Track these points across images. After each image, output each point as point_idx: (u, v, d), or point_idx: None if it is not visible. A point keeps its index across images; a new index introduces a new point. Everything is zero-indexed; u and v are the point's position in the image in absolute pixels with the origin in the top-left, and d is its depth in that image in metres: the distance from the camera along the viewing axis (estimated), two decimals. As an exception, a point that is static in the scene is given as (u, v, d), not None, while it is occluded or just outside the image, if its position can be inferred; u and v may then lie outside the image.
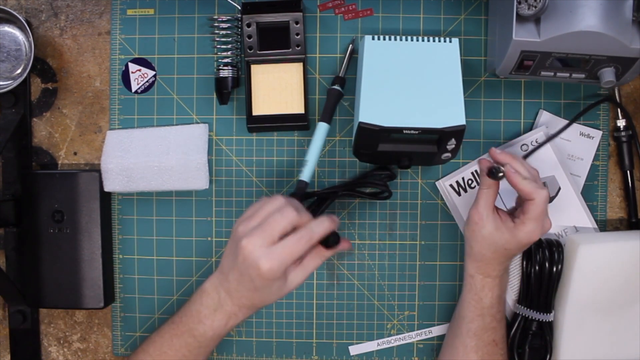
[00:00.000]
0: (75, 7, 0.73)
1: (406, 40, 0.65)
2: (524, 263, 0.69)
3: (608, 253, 0.66)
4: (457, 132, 0.62)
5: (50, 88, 0.73)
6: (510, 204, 0.67)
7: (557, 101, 0.71)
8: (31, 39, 0.68)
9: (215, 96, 0.71)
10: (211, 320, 0.59)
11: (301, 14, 0.67)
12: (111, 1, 0.72)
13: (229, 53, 0.70)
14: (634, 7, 0.58)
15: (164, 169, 0.69)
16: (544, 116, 0.70)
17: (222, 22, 0.70)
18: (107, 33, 0.72)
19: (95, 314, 0.74)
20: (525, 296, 0.68)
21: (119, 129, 0.72)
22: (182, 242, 0.72)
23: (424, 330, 0.72)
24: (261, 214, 0.57)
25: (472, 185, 0.70)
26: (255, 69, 0.69)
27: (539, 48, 0.60)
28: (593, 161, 0.71)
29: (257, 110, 0.69)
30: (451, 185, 0.70)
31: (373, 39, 0.65)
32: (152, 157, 0.69)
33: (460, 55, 0.64)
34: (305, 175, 0.64)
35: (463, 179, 0.70)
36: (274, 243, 0.55)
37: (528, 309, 0.68)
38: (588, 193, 0.71)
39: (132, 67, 0.72)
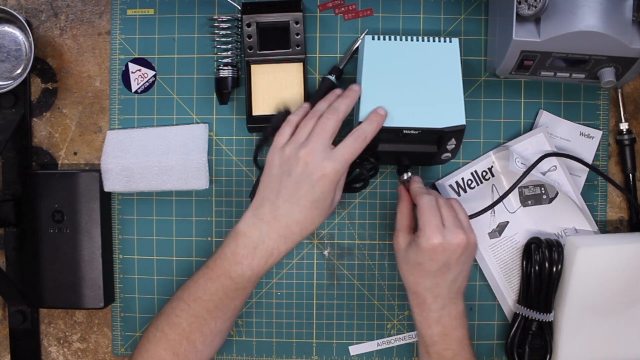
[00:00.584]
0: (75, 7, 0.73)
1: (406, 40, 0.65)
2: (524, 263, 0.69)
3: (607, 255, 0.66)
4: (457, 132, 0.62)
5: (50, 88, 0.73)
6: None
7: (557, 101, 0.71)
8: (31, 39, 0.68)
9: (215, 96, 0.71)
10: (250, 260, 0.59)
11: (301, 14, 0.67)
12: (111, 1, 0.72)
13: (229, 53, 0.70)
14: (634, 7, 0.58)
15: (164, 169, 0.69)
16: (544, 116, 0.70)
17: (222, 22, 0.70)
18: (107, 33, 0.72)
19: (95, 314, 0.74)
20: (525, 296, 0.68)
21: (119, 129, 0.72)
22: (182, 242, 0.72)
23: (424, 330, 0.72)
24: (305, 127, 0.60)
25: (472, 186, 0.70)
26: (255, 69, 0.69)
27: (539, 48, 0.60)
28: (593, 161, 0.71)
29: (257, 110, 0.69)
30: (451, 186, 0.70)
31: (373, 39, 0.65)
32: (152, 157, 0.69)
33: (460, 55, 0.64)
34: None
35: (463, 179, 0.70)
36: (331, 147, 0.59)
37: (528, 309, 0.68)
38: (588, 193, 0.71)
39: (132, 67, 0.72)
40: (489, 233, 0.70)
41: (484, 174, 0.70)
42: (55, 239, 0.69)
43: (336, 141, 0.60)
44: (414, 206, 0.63)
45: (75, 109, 0.73)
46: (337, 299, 0.72)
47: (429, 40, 0.64)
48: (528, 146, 0.69)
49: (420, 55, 0.64)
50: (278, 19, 0.67)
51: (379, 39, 0.65)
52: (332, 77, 0.68)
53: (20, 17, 0.67)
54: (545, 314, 0.67)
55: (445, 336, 0.61)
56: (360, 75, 0.64)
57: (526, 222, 0.70)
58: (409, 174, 0.65)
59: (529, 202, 0.70)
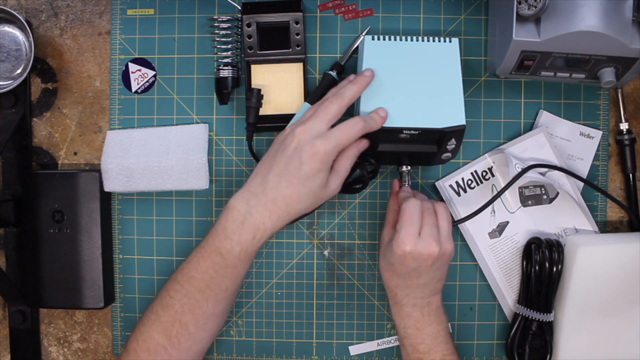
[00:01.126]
0: (75, 7, 0.73)
1: (406, 40, 0.65)
2: (524, 263, 0.69)
3: (608, 255, 0.66)
4: (457, 132, 0.62)
5: (50, 88, 0.73)
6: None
7: (557, 101, 0.71)
8: (31, 39, 0.68)
9: (215, 96, 0.71)
10: (238, 235, 0.58)
11: (301, 14, 0.67)
12: (111, 1, 0.72)
13: (229, 53, 0.70)
14: (634, 7, 0.58)
15: (164, 169, 0.69)
16: (544, 116, 0.70)
17: (222, 22, 0.70)
18: (107, 33, 0.72)
19: (95, 314, 0.74)
20: (525, 296, 0.68)
21: (119, 129, 0.72)
22: (182, 242, 0.72)
23: (424, 330, 0.72)
24: (311, 110, 0.61)
25: (472, 186, 0.70)
26: (255, 69, 0.69)
27: (539, 48, 0.60)
28: (593, 161, 0.71)
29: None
30: (451, 186, 0.70)
31: (373, 39, 0.65)
32: (152, 157, 0.69)
33: (460, 55, 0.64)
34: None
35: (463, 179, 0.70)
36: (328, 129, 0.59)
37: (528, 309, 0.67)
38: (588, 193, 0.71)
39: (132, 67, 0.72)
40: (489, 233, 0.70)
41: (484, 174, 0.70)
42: (55, 239, 0.69)
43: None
44: None
45: (75, 109, 0.73)
46: (337, 299, 0.72)
47: (428, 40, 0.64)
48: (528, 146, 0.69)
49: (420, 56, 0.64)
50: (278, 19, 0.67)
51: (378, 39, 0.65)
52: (334, 73, 0.68)
53: (20, 17, 0.67)
54: (545, 314, 0.67)
55: (418, 330, 0.62)
56: (360, 75, 0.64)
57: (526, 222, 0.70)
58: (409, 167, 0.66)
59: (529, 202, 0.70)
